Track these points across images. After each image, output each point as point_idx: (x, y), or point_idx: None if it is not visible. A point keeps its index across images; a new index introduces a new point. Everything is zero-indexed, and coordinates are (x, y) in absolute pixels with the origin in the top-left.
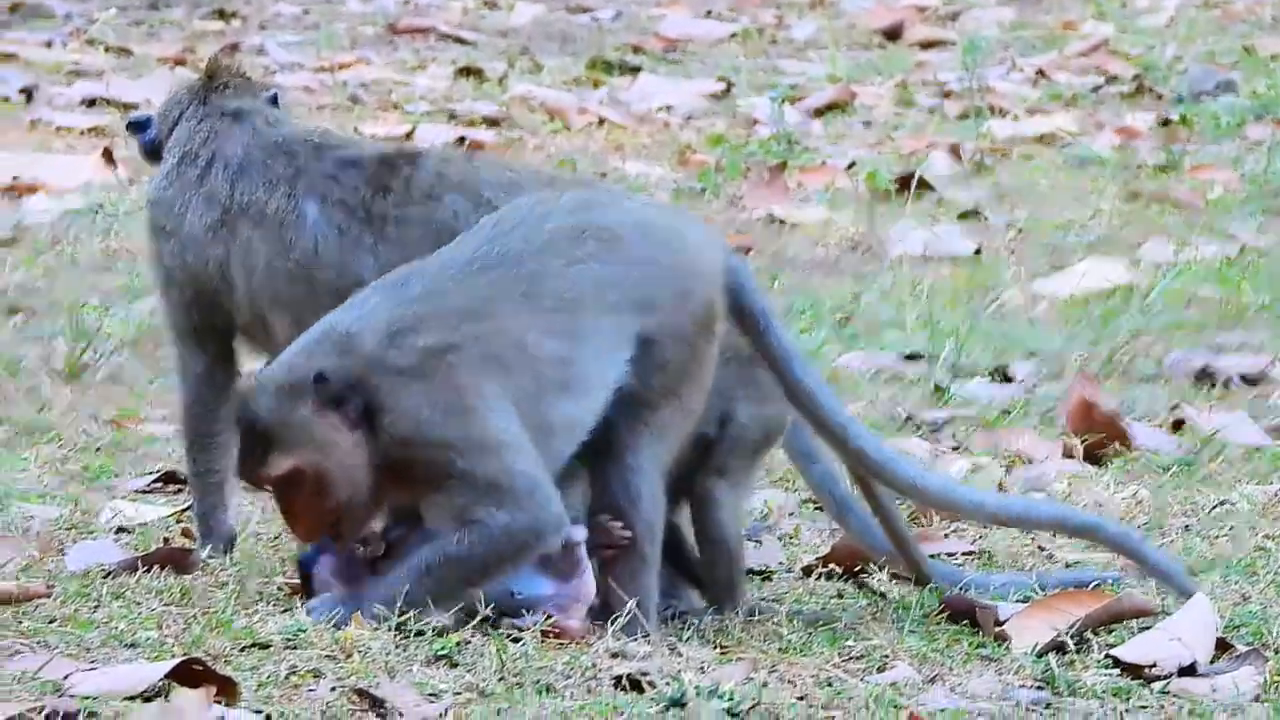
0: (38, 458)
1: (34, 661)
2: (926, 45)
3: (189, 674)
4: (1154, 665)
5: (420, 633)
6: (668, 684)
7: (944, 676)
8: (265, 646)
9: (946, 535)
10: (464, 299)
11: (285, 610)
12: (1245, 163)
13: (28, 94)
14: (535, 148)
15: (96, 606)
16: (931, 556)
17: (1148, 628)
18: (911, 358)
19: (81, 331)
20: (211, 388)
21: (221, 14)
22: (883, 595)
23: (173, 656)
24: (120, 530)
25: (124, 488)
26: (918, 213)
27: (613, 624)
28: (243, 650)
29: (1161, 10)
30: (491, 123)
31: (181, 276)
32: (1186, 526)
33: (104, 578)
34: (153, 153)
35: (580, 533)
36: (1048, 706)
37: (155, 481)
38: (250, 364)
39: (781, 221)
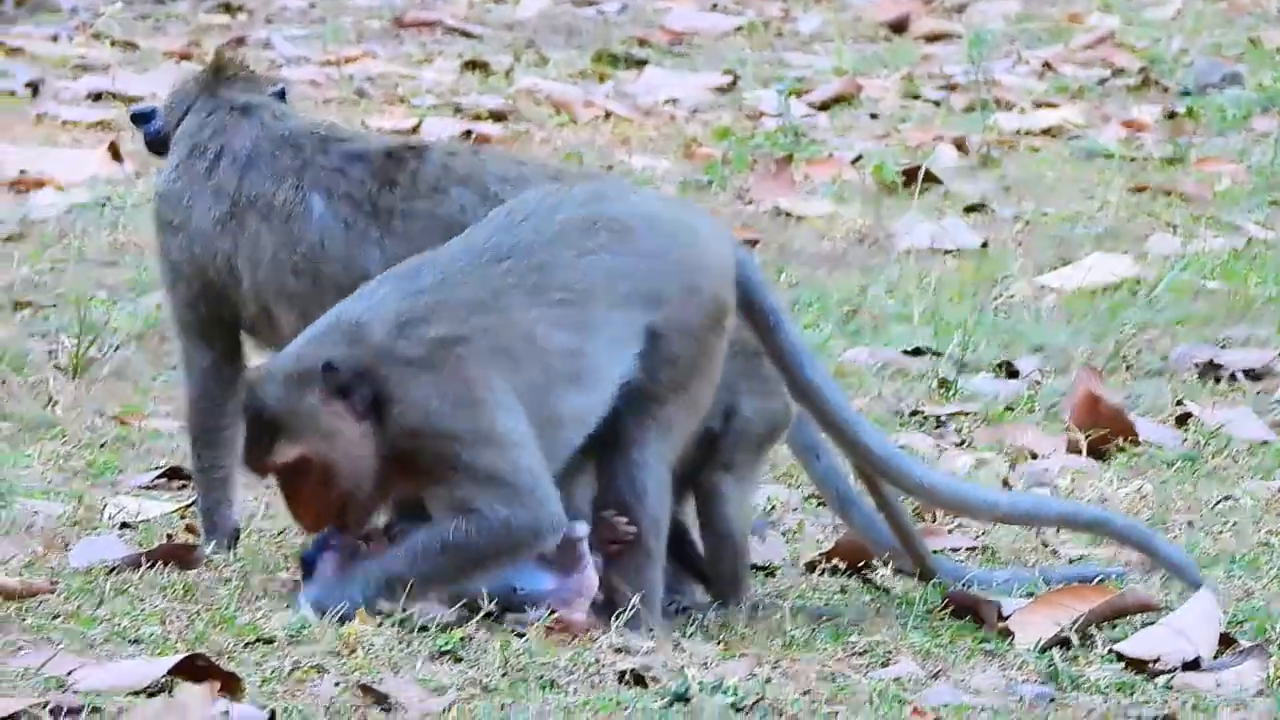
0: (42, 453)
1: (38, 657)
2: (932, 38)
3: (193, 669)
4: (1158, 660)
5: (424, 628)
6: (672, 679)
7: (948, 672)
8: (269, 642)
9: (950, 531)
10: (474, 290)
11: (289, 606)
12: (1251, 155)
13: (34, 88)
14: (542, 141)
15: (100, 602)
16: (935, 552)
17: (1151, 623)
18: (916, 353)
19: (88, 326)
20: (217, 383)
21: (227, 8)
22: (886, 591)
23: (176, 652)
24: (124, 526)
25: (128, 483)
26: (924, 206)
27: (617, 619)
28: (247, 646)
29: (1167, 3)
30: (498, 116)
31: (189, 270)
32: (1190, 522)
33: (108, 573)
34: (157, 145)
35: (581, 528)
36: (1051, 701)
37: (160, 477)
38: (255, 359)
39: (788, 214)
